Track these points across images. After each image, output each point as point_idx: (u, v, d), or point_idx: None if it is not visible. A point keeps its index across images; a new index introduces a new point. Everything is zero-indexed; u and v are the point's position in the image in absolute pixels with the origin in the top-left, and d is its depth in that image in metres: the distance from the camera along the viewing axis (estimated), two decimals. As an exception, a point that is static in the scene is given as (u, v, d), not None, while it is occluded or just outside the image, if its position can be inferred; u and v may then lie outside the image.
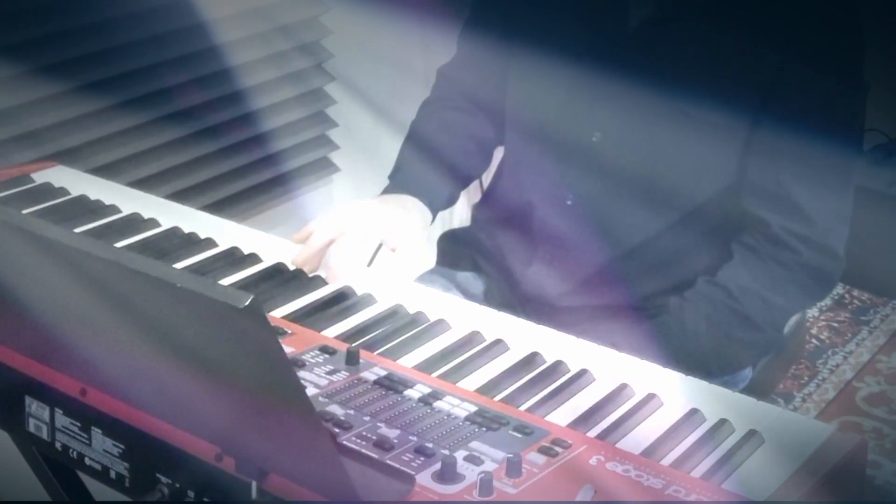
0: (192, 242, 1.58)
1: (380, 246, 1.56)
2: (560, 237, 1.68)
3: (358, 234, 1.51)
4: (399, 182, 1.69)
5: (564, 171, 1.66)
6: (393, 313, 1.42)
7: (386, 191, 1.68)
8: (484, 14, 1.78)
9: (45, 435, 1.25)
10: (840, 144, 1.57)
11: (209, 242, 1.58)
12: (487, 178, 1.88)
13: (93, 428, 1.20)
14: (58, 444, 1.24)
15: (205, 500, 1.12)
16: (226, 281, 1.47)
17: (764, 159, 1.56)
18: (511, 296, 1.74)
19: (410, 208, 1.62)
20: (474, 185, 1.91)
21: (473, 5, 1.80)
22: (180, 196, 2.38)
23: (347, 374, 1.23)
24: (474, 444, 1.12)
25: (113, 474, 1.19)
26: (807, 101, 1.53)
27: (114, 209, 1.66)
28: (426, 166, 1.72)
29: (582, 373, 1.29)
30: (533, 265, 1.70)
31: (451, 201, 1.75)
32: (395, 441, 1.11)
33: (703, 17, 1.55)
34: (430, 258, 1.63)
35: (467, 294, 1.77)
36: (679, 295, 1.59)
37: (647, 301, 1.65)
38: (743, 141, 1.56)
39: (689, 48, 1.56)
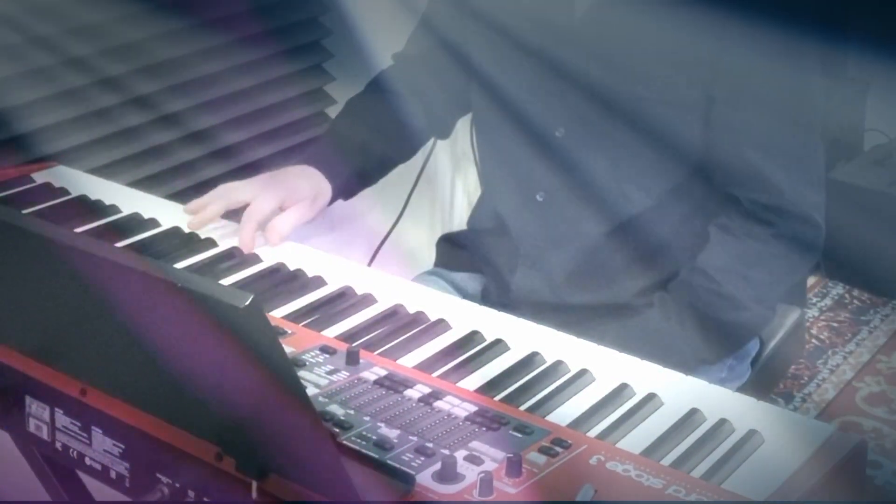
0: (192, 242, 1.58)
1: (381, 244, 1.60)
2: (538, 236, 1.68)
3: (257, 203, 1.57)
4: (308, 154, 1.74)
5: (532, 168, 1.66)
6: (393, 313, 1.42)
7: (298, 161, 1.73)
8: (436, 14, 1.79)
9: (45, 435, 1.25)
10: (799, 110, 1.55)
11: (209, 242, 1.58)
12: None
13: (93, 428, 1.20)
14: (58, 444, 1.24)
15: (205, 500, 1.12)
16: (226, 281, 1.47)
17: (724, 135, 1.54)
18: (507, 297, 1.75)
19: (304, 176, 1.66)
20: (475, 188, 1.91)
21: (427, 4, 1.81)
22: (180, 196, 2.38)
23: (347, 373, 1.23)
24: (474, 444, 1.12)
25: (113, 474, 1.19)
26: (757, 69, 1.51)
27: (114, 209, 1.66)
28: (337, 142, 1.76)
29: (582, 373, 1.29)
30: (518, 270, 1.71)
31: (362, 179, 1.76)
32: (396, 441, 1.11)
33: None
34: (305, 218, 1.65)
35: (465, 294, 1.77)
36: (664, 288, 1.59)
37: (635, 297, 1.64)
38: (702, 119, 1.55)
39: (634, 30, 1.54)
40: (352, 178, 1.73)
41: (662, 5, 1.52)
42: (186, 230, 1.60)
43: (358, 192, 1.76)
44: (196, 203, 1.59)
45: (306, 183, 1.64)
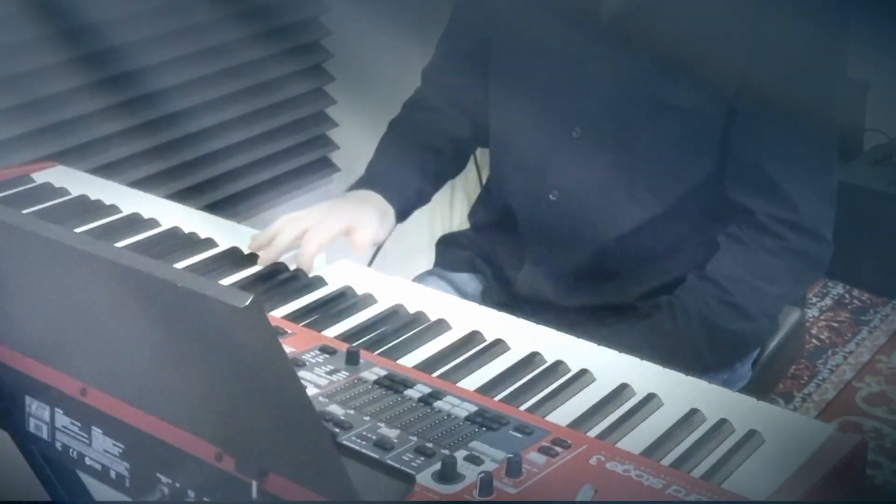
0: (192, 242, 1.58)
1: (378, 249, 1.59)
2: (547, 235, 1.68)
3: (322, 226, 1.53)
4: (364, 180, 1.72)
5: (546, 167, 1.66)
6: (393, 313, 1.42)
7: (352, 188, 1.71)
8: (462, 16, 1.79)
9: (45, 435, 1.25)
10: (819, 126, 1.56)
11: (209, 242, 1.58)
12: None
13: (93, 428, 1.20)
14: (58, 444, 1.24)
15: (205, 500, 1.12)
16: (226, 281, 1.47)
17: (743, 146, 1.55)
18: (507, 296, 1.75)
19: (367, 200, 1.64)
20: (475, 188, 1.91)
21: (453, 8, 1.81)
22: (180, 196, 2.38)
23: (347, 374, 1.23)
24: (474, 444, 1.12)
25: (113, 474, 1.19)
26: (781, 85, 1.52)
27: (114, 209, 1.66)
28: (392, 164, 1.74)
29: (582, 373, 1.29)
30: (524, 267, 1.71)
31: (420, 198, 1.76)
32: (395, 441, 1.11)
33: (674, 6, 1.54)
34: (380, 237, 1.64)
35: (465, 294, 1.77)
36: (671, 293, 1.59)
37: (640, 300, 1.65)
38: (721, 128, 1.55)
39: (661, 37, 1.55)
40: (410, 199, 1.73)
41: (692, 14, 1.53)
42: (186, 231, 1.60)
43: (413, 212, 1.75)
44: (260, 239, 1.54)
45: (370, 206, 1.62)
